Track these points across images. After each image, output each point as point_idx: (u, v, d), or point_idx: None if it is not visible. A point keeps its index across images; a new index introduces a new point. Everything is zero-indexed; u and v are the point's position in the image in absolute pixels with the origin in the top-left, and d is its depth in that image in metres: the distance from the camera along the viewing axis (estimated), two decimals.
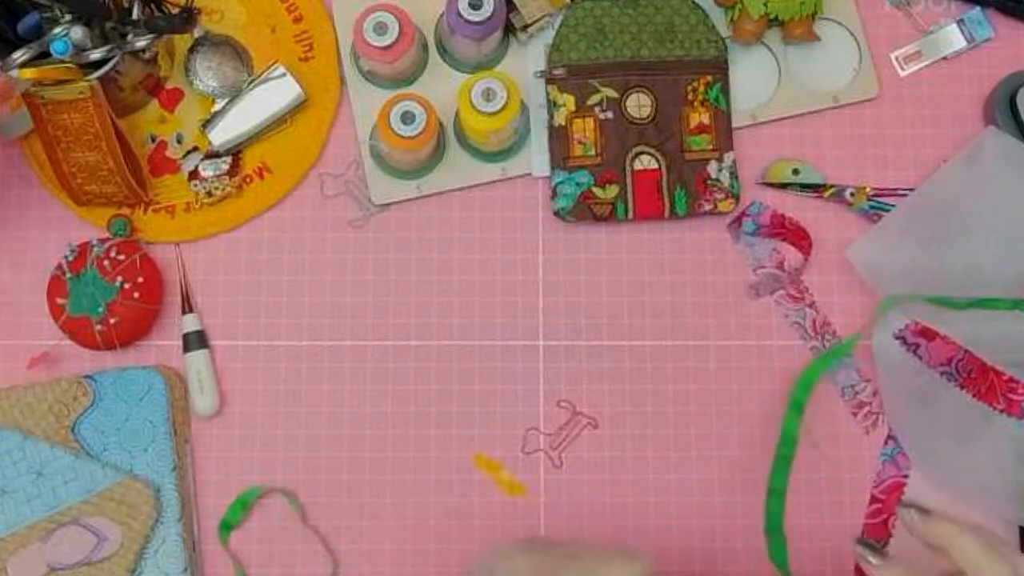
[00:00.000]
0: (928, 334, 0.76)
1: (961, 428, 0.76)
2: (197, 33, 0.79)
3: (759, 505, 0.77)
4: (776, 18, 0.80)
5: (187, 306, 0.78)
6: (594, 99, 0.80)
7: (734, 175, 0.80)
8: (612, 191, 0.79)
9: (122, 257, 0.76)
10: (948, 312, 0.75)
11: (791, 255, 0.81)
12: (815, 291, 0.80)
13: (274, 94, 0.79)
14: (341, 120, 0.82)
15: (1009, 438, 0.74)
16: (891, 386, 0.78)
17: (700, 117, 0.80)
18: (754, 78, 0.83)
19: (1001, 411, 0.74)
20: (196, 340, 0.78)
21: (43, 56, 0.72)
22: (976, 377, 0.75)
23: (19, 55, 0.72)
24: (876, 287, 0.77)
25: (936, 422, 0.76)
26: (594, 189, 0.79)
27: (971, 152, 0.78)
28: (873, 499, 0.78)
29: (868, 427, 0.78)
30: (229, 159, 0.80)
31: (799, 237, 0.80)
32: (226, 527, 0.76)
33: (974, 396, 0.75)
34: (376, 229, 0.81)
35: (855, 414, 0.79)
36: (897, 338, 0.77)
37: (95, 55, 0.73)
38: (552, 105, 0.80)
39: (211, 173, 0.79)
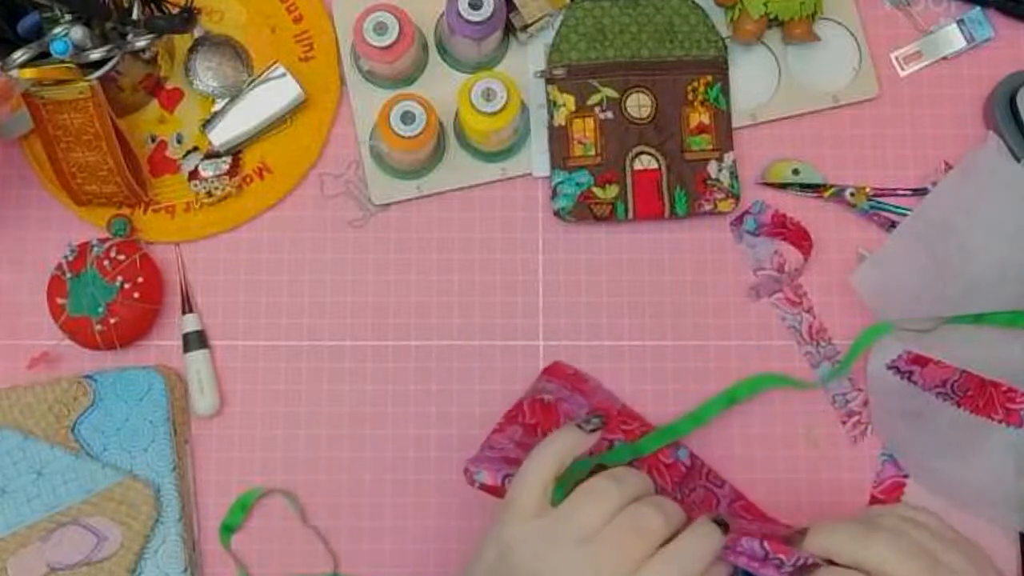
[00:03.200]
0: (921, 361, 0.76)
1: (958, 443, 0.76)
2: (197, 33, 0.79)
3: (760, 505, 0.77)
4: (776, 18, 0.80)
5: (187, 306, 0.78)
6: (594, 99, 0.80)
7: (734, 175, 0.80)
8: (612, 191, 0.79)
9: (122, 257, 0.76)
10: (946, 339, 0.75)
11: (792, 257, 0.80)
12: (814, 292, 0.80)
13: (274, 94, 0.79)
14: (341, 120, 0.82)
15: (1010, 447, 0.74)
16: (885, 409, 0.77)
17: (700, 117, 0.80)
18: (754, 78, 0.83)
19: (1000, 422, 0.74)
20: (196, 340, 0.78)
21: (43, 56, 0.72)
22: (973, 394, 0.75)
23: (19, 55, 0.72)
24: (880, 313, 0.77)
25: (932, 440, 0.76)
26: (594, 189, 0.79)
27: (964, 169, 0.78)
28: (873, 499, 0.78)
29: (857, 436, 0.78)
30: (229, 159, 0.80)
31: (800, 237, 0.80)
32: (227, 529, 0.76)
33: (972, 412, 0.75)
34: (376, 229, 0.81)
35: (844, 422, 0.78)
36: (890, 368, 0.77)
37: (95, 55, 0.73)
38: (552, 105, 0.80)
39: (211, 173, 0.79)
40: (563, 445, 0.62)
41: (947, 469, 0.76)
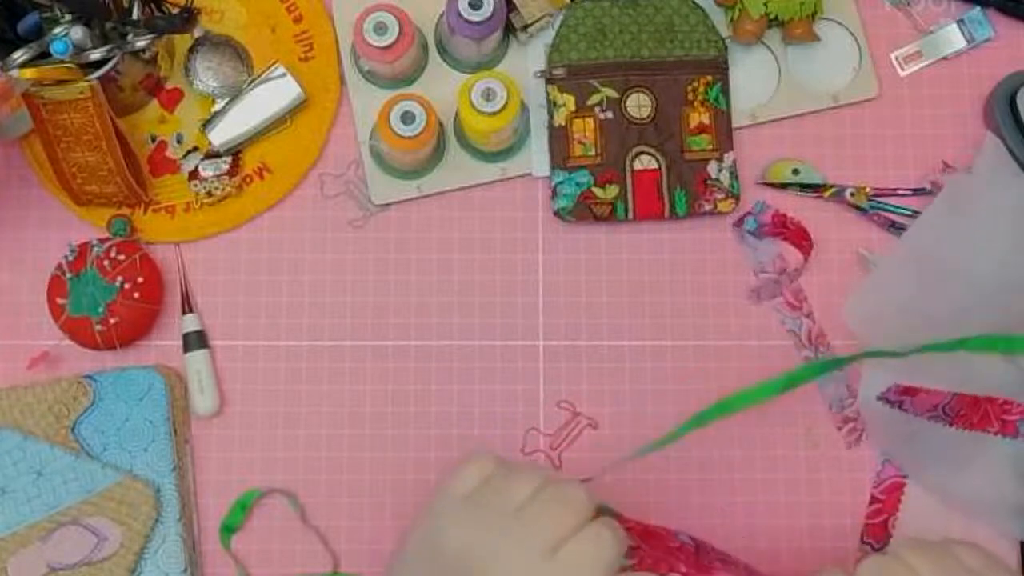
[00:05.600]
0: (911, 391, 0.76)
1: (955, 456, 0.75)
2: (197, 33, 0.79)
3: (760, 504, 0.77)
4: (776, 18, 0.80)
5: (187, 306, 0.78)
6: (594, 99, 0.80)
7: (734, 175, 0.80)
8: (612, 191, 0.79)
9: (122, 257, 0.76)
10: (932, 364, 0.74)
11: (792, 259, 0.80)
12: (814, 291, 0.80)
13: (274, 94, 0.79)
14: (341, 120, 0.82)
15: (1007, 458, 0.74)
16: (879, 433, 0.77)
17: (700, 117, 0.80)
18: (754, 78, 0.83)
19: (996, 433, 0.74)
20: (196, 340, 0.78)
21: (43, 56, 0.72)
22: (967, 412, 0.75)
23: (19, 55, 0.72)
24: (871, 342, 0.76)
25: (929, 455, 0.76)
26: (594, 189, 0.79)
27: (949, 195, 0.78)
28: (873, 499, 0.78)
29: (851, 443, 0.78)
30: (229, 159, 0.80)
31: (800, 237, 0.80)
32: (227, 530, 0.76)
33: (966, 429, 0.75)
34: (376, 229, 0.81)
35: (840, 428, 0.78)
36: (880, 399, 0.77)
37: (95, 55, 0.73)
38: (552, 105, 0.80)
39: (211, 173, 0.79)
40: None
41: (944, 480, 0.76)
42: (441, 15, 0.80)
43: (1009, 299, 0.76)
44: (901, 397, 0.76)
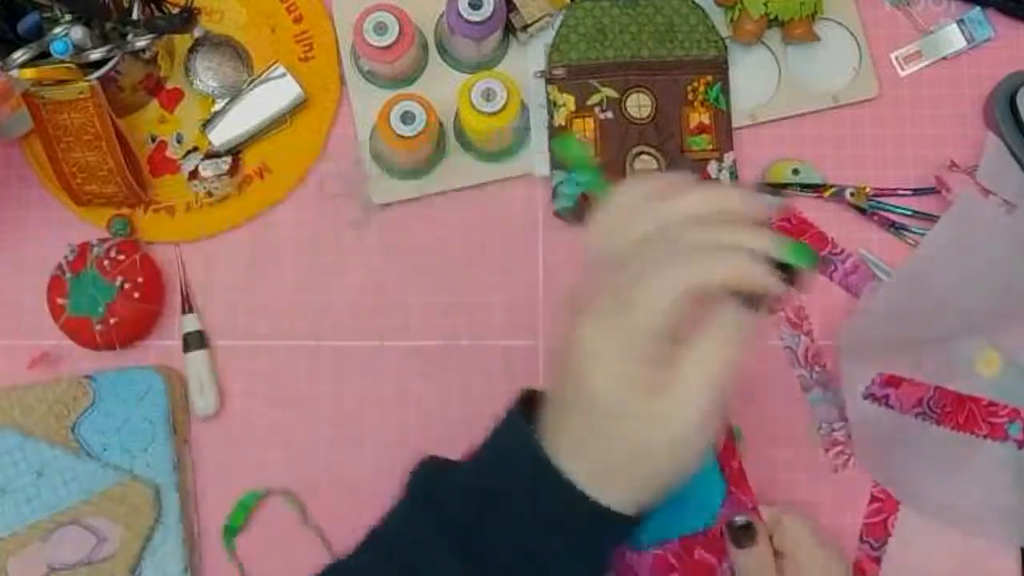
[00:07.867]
0: (894, 381, 0.76)
1: (946, 461, 0.75)
2: (197, 33, 0.79)
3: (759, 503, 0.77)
4: (776, 18, 0.80)
5: (187, 306, 0.78)
6: (594, 99, 0.80)
7: (734, 175, 0.80)
8: None
9: (122, 257, 0.76)
10: (916, 358, 0.75)
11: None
12: (813, 293, 0.80)
13: (274, 94, 0.79)
14: (341, 120, 0.82)
15: (1002, 462, 0.74)
16: (870, 440, 0.77)
17: (700, 117, 0.80)
18: (754, 78, 0.83)
19: (985, 436, 0.74)
20: (196, 340, 0.78)
21: (43, 56, 0.72)
22: (952, 410, 0.75)
23: (19, 55, 0.72)
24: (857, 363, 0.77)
25: (918, 461, 0.76)
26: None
27: (950, 220, 0.77)
28: (873, 499, 0.78)
29: (838, 466, 0.78)
30: (229, 159, 0.80)
31: (800, 233, 0.80)
32: (230, 532, 0.76)
33: (953, 428, 0.74)
34: (376, 229, 0.81)
35: (827, 450, 0.78)
36: (866, 397, 0.77)
37: (95, 55, 0.73)
38: (552, 105, 0.80)
39: (211, 173, 0.79)
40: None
41: (939, 491, 0.76)
42: (441, 15, 0.80)
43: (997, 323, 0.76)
44: (886, 390, 0.76)
